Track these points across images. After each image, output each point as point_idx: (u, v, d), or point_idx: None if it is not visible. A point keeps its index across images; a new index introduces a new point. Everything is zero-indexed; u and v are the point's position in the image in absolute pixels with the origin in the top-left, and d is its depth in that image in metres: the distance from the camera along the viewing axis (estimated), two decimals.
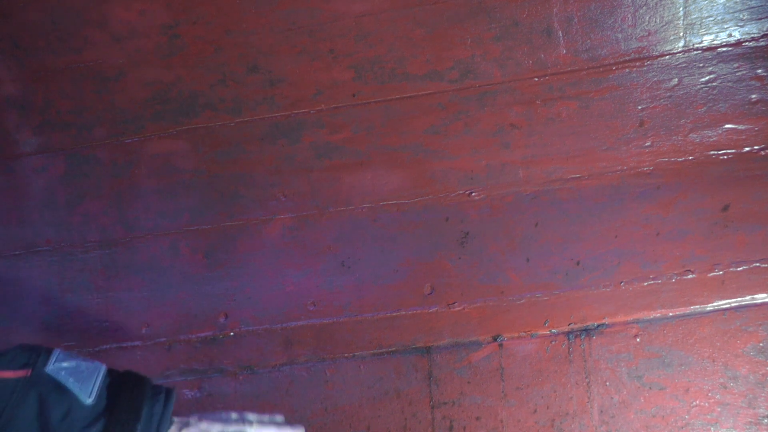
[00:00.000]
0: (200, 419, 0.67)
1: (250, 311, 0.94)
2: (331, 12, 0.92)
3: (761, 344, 0.85)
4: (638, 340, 0.88)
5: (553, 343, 0.89)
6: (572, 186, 0.90)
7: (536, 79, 0.90)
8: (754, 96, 0.87)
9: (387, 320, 0.92)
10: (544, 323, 0.90)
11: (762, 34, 0.86)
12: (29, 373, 0.57)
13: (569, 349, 0.89)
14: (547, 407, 0.88)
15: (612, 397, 0.87)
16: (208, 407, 0.94)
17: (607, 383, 0.87)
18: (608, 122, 0.89)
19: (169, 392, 0.65)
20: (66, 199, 0.99)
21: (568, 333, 0.89)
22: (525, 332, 0.90)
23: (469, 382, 0.90)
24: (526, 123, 0.91)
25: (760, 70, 0.86)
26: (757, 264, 0.86)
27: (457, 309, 0.91)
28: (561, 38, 0.89)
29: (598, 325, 0.89)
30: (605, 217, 0.89)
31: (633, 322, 0.88)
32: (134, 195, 0.98)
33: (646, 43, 0.88)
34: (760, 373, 0.85)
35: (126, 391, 0.61)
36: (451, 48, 0.91)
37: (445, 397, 0.90)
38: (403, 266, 0.92)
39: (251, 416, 0.70)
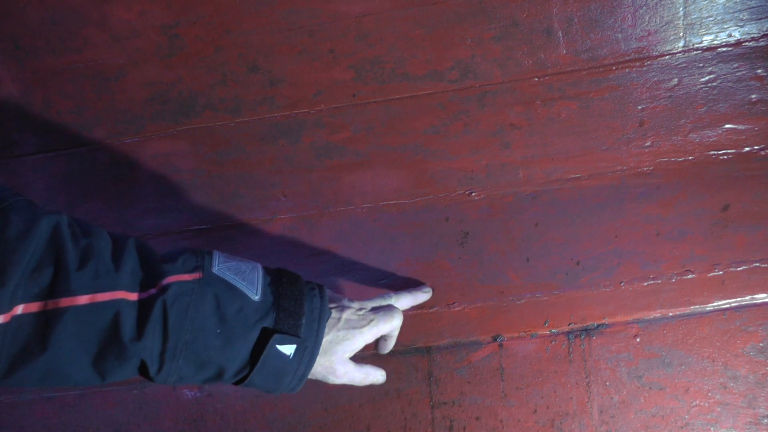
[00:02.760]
0: (351, 300, 0.73)
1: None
2: (331, 12, 0.92)
3: (761, 344, 0.85)
4: (638, 340, 0.88)
5: (553, 343, 0.89)
6: (572, 186, 0.90)
7: (536, 79, 0.90)
8: (754, 96, 0.87)
9: None
10: (544, 323, 0.90)
11: (762, 34, 0.86)
12: (201, 275, 0.61)
13: (569, 349, 0.89)
14: (547, 407, 0.88)
15: (612, 397, 0.87)
16: (208, 407, 0.94)
17: (607, 383, 0.87)
18: (608, 122, 0.89)
19: (321, 287, 0.69)
20: (66, 199, 0.99)
21: (568, 333, 0.89)
22: (525, 332, 0.90)
23: (469, 382, 0.90)
24: (526, 123, 0.91)
25: (760, 70, 0.86)
26: (757, 264, 0.86)
27: (457, 309, 0.91)
28: (561, 38, 0.89)
29: (598, 325, 0.89)
30: (605, 217, 0.89)
31: (633, 322, 0.88)
32: (134, 195, 0.98)
33: (646, 43, 0.88)
34: (760, 373, 0.85)
35: (286, 287, 0.65)
36: (451, 48, 0.91)
37: (445, 397, 0.90)
38: (403, 266, 0.92)
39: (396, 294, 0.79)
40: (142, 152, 0.98)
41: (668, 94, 0.88)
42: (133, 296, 0.58)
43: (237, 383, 0.64)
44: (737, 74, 0.87)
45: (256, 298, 0.63)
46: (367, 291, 0.92)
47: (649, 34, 0.88)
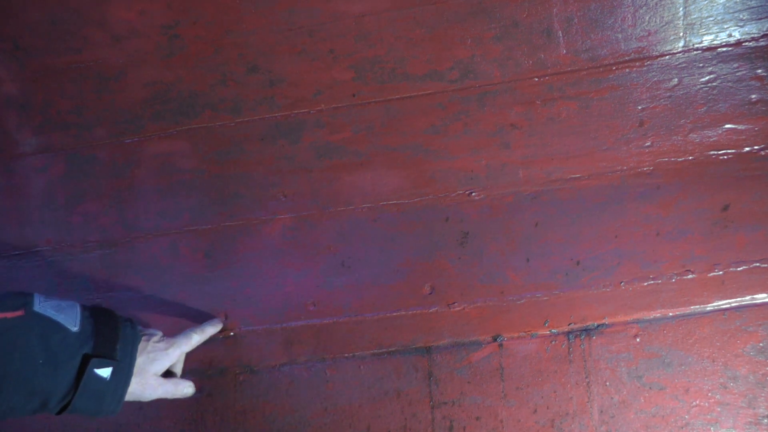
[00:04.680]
0: (156, 330, 0.83)
1: (250, 311, 0.94)
2: (331, 12, 0.92)
3: (761, 344, 0.85)
4: (638, 340, 0.88)
5: (553, 343, 0.89)
6: (572, 186, 0.90)
7: (536, 79, 0.90)
8: (754, 96, 0.87)
9: (387, 320, 0.92)
10: (544, 323, 0.90)
11: (762, 34, 0.86)
12: (24, 313, 0.68)
13: (569, 349, 0.89)
14: (547, 407, 0.88)
15: (612, 397, 0.87)
16: (208, 407, 0.94)
17: (607, 383, 0.87)
18: (608, 122, 0.89)
19: (131, 319, 0.79)
20: (66, 199, 0.99)
21: (568, 333, 0.89)
22: (525, 332, 0.90)
23: (469, 382, 0.90)
24: (526, 123, 0.91)
25: (760, 70, 0.86)
26: (757, 264, 0.86)
27: (457, 309, 0.91)
28: (561, 38, 0.89)
29: (598, 325, 0.89)
30: (605, 217, 0.89)
31: (633, 322, 0.88)
32: (134, 195, 0.98)
33: (646, 43, 0.88)
34: (760, 373, 0.85)
35: (102, 318, 0.74)
36: (451, 48, 0.91)
37: (445, 397, 0.90)
38: (403, 266, 0.92)
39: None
40: (142, 152, 0.98)
41: (668, 94, 0.88)
42: None
43: (61, 411, 0.70)
44: (737, 74, 0.87)
45: (75, 329, 0.70)
46: (367, 291, 0.92)
47: (649, 34, 0.88)
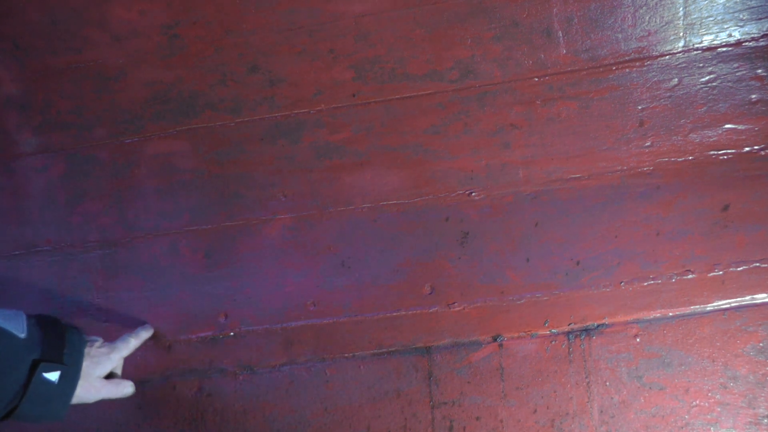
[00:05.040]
0: (97, 337, 0.85)
1: (250, 311, 0.94)
2: (331, 12, 0.92)
3: (761, 344, 0.85)
4: (638, 340, 0.88)
5: (553, 343, 0.89)
6: (572, 186, 0.90)
7: (536, 79, 0.90)
8: (754, 96, 0.87)
9: (387, 320, 0.92)
10: (544, 323, 0.90)
11: (762, 34, 0.86)
12: None
13: (569, 349, 0.89)
14: (547, 407, 0.88)
15: (612, 397, 0.87)
16: (208, 407, 0.94)
17: (607, 383, 0.87)
18: (608, 122, 0.89)
19: (76, 327, 0.81)
20: (66, 199, 0.99)
21: (568, 333, 0.89)
22: (525, 332, 0.90)
23: (469, 382, 0.90)
24: (526, 123, 0.91)
25: (760, 70, 0.86)
26: (757, 264, 0.86)
27: (457, 309, 0.91)
28: (561, 38, 0.89)
29: (598, 325, 0.89)
30: (605, 217, 0.89)
31: (633, 322, 0.88)
32: (134, 195, 0.98)
33: (646, 43, 0.88)
34: (760, 373, 0.85)
35: (48, 326, 0.76)
36: (451, 48, 0.91)
37: (445, 397, 0.90)
38: (403, 266, 0.92)
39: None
40: (142, 152, 0.98)
41: (668, 94, 0.88)
42: None
43: (5, 417, 0.71)
44: (737, 74, 0.87)
45: (23, 335, 0.71)
46: (367, 291, 0.92)
47: (649, 34, 0.88)
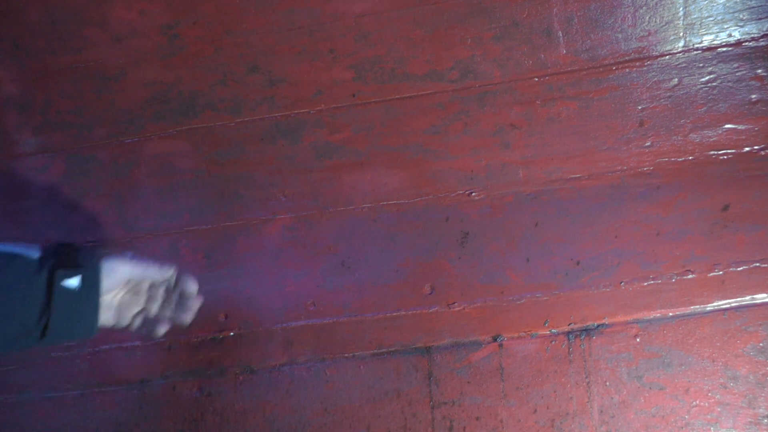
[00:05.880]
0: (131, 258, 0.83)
1: (250, 311, 0.94)
2: (331, 12, 0.92)
3: (761, 344, 0.85)
4: (638, 340, 0.88)
5: (553, 343, 0.89)
6: (572, 186, 0.90)
7: (536, 79, 0.90)
8: (754, 96, 0.87)
9: (387, 320, 0.92)
10: (544, 323, 0.90)
11: (762, 34, 0.86)
12: None
13: (569, 349, 0.89)
14: (547, 407, 0.88)
15: (612, 397, 0.87)
16: (208, 407, 0.94)
17: (607, 383, 0.87)
18: (608, 122, 0.89)
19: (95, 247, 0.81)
20: (66, 199, 0.99)
21: (568, 333, 0.89)
22: (525, 332, 0.90)
23: (469, 382, 0.90)
24: (526, 123, 0.91)
25: (760, 70, 0.86)
26: (757, 264, 0.86)
27: (457, 309, 0.91)
28: (561, 38, 0.89)
29: (598, 325, 0.89)
30: (605, 217, 0.89)
31: (633, 322, 0.88)
32: (134, 195, 0.98)
33: (646, 43, 0.88)
34: (760, 373, 0.85)
35: (60, 245, 0.76)
36: (451, 48, 0.91)
37: (445, 397, 0.90)
38: (403, 266, 0.92)
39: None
40: (142, 152, 0.98)
41: (668, 94, 0.88)
42: None
43: (43, 335, 0.71)
44: (737, 74, 0.87)
45: (36, 255, 0.72)
46: (367, 291, 0.92)
47: (649, 34, 0.88)
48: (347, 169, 0.94)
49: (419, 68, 0.92)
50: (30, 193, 1.00)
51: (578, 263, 0.89)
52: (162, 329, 0.84)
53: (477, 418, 0.89)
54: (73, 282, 0.72)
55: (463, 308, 0.91)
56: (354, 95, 0.93)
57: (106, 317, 0.80)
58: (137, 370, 0.95)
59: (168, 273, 0.85)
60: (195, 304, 0.86)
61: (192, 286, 0.86)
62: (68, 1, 0.96)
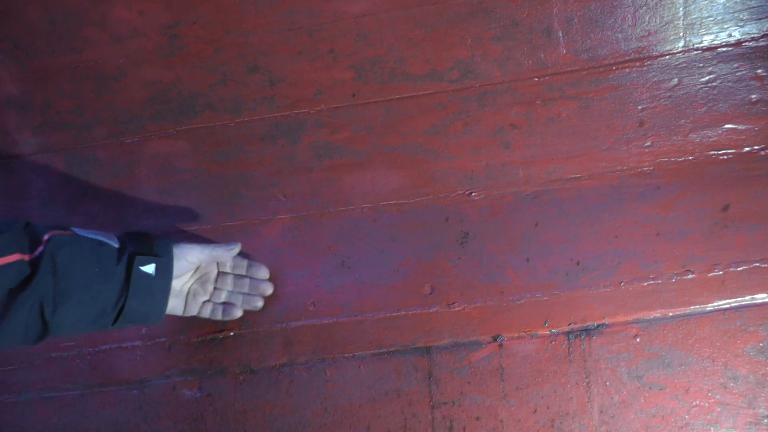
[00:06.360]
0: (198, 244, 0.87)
1: (250, 311, 0.94)
2: (331, 12, 0.92)
3: (761, 344, 0.85)
4: (638, 340, 0.88)
5: (553, 343, 0.89)
6: (572, 186, 0.90)
7: (536, 79, 0.90)
8: (754, 96, 0.87)
9: (387, 320, 0.92)
10: (544, 323, 0.90)
11: (762, 34, 0.86)
12: (72, 233, 0.75)
13: (569, 349, 0.89)
14: (547, 407, 0.88)
15: (612, 397, 0.87)
16: (208, 407, 0.94)
17: (607, 383, 0.87)
18: (608, 122, 0.89)
19: (166, 235, 0.88)
20: (66, 199, 0.99)
21: (568, 333, 0.89)
22: (525, 332, 0.90)
23: (469, 382, 0.90)
24: (526, 123, 0.91)
25: (760, 70, 0.86)
26: (757, 264, 0.86)
27: (457, 309, 0.91)
28: (561, 38, 0.89)
29: (598, 325, 0.89)
30: (605, 217, 0.89)
31: (633, 322, 0.88)
32: (134, 195, 0.98)
33: (646, 43, 0.88)
34: (760, 373, 0.85)
35: (136, 235, 0.83)
36: (451, 48, 0.91)
37: (445, 397, 0.90)
38: (403, 266, 0.92)
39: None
40: (142, 152, 0.98)
41: (668, 94, 0.88)
42: (28, 257, 0.71)
43: (117, 318, 0.77)
44: (737, 74, 0.87)
45: (117, 245, 0.78)
46: (367, 291, 0.92)
47: (649, 34, 0.88)
48: (347, 169, 0.94)
49: (419, 68, 0.92)
50: (30, 193, 1.00)
51: (578, 263, 0.89)
52: (234, 314, 0.90)
53: (477, 418, 0.89)
54: (149, 269, 0.78)
55: (463, 308, 0.91)
56: (354, 95, 0.93)
57: (175, 305, 0.85)
58: (137, 370, 0.95)
59: (239, 261, 0.90)
60: (267, 290, 0.91)
61: (263, 273, 0.92)
62: (68, 1, 0.96)
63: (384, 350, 0.92)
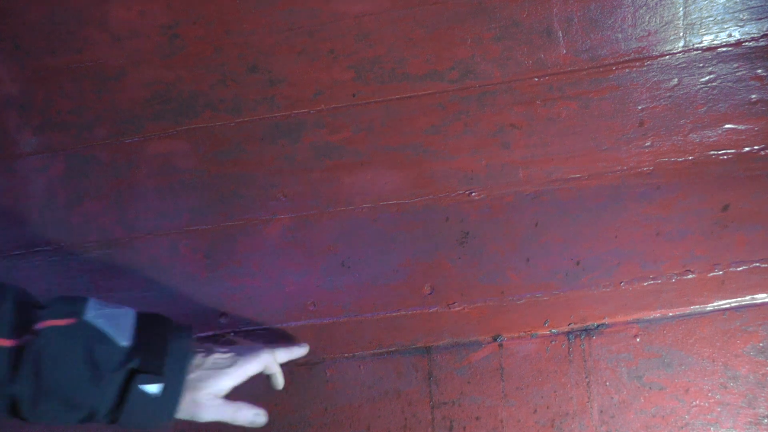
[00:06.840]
0: (222, 346, 0.78)
1: (250, 311, 0.94)
2: (331, 12, 0.92)
3: (761, 344, 0.85)
4: (638, 340, 0.88)
5: (553, 343, 0.89)
6: (572, 186, 0.90)
7: (536, 79, 0.90)
8: (754, 96, 0.87)
9: (387, 320, 0.92)
10: (544, 323, 0.90)
11: (762, 34, 0.86)
12: (75, 321, 0.66)
13: (569, 349, 0.89)
14: (547, 407, 0.88)
15: (612, 397, 0.87)
16: None
17: (607, 383, 0.87)
18: (608, 122, 0.89)
19: (188, 328, 0.74)
20: (66, 199, 0.99)
21: (568, 333, 0.89)
22: (525, 332, 0.90)
23: (469, 382, 0.90)
24: (526, 123, 0.91)
25: (760, 70, 0.86)
26: (757, 264, 0.86)
27: (457, 309, 0.91)
28: (561, 38, 0.89)
29: (598, 325, 0.89)
30: (605, 217, 0.89)
31: (633, 322, 0.88)
32: (134, 195, 0.98)
33: (646, 43, 0.88)
34: (760, 373, 0.85)
35: (153, 331, 0.70)
36: (451, 48, 0.91)
37: (445, 397, 0.90)
38: (403, 266, 0.92)
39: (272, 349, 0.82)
40: (142, 152, 0.98)
41: (668, 94, 0.88)
42: (8, 343, 0.62)
43: (112, 423, 0.68)
44: (737, 74, 0.87)
45: (125, 343, 0.67)
46: (367, 291, 0.92)
47: (649, 34, 0.88)
48: (347, 169, 0.94)
49: (419, 68, 0.92)
50: (30, 193, 1.00)
51: (578, 263, 0.89)
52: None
53: (477, 418, 0.89)
54: (153, 388, 0.67)
55: (463, 308, 0.91)
56: (354, 95, 0.93)
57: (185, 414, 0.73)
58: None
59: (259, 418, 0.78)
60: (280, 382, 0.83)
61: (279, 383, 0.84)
62: (68, 1, 0.96)
63: (384, 350, 0.92)
